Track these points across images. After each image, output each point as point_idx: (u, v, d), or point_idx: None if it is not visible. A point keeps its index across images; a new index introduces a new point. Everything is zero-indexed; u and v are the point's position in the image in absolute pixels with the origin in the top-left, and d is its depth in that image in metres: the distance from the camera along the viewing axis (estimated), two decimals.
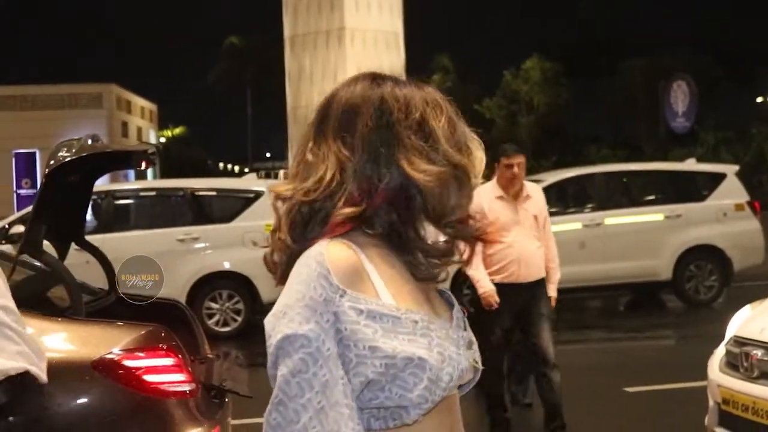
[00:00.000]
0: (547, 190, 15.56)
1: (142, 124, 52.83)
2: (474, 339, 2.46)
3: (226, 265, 14.67)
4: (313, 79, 32.83)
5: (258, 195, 15.36)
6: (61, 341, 5.73)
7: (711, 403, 7.23)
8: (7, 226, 13.90)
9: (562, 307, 15.89)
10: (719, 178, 16.48)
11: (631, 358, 11.41)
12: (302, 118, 33.11)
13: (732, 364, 7.08)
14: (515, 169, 7.47)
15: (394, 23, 33.41)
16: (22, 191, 33.04)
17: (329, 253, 2.24)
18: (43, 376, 4.30)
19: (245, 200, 15.36)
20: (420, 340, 2.26)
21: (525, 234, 7.52)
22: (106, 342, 5.66)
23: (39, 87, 36.51)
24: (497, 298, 7.38)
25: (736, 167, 17.59)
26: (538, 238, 7.64)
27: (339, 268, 2.22)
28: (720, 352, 7.39)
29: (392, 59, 33.24)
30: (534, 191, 7.86)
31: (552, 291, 7.78)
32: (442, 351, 2.26)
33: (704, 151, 28.33)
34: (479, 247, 2.51)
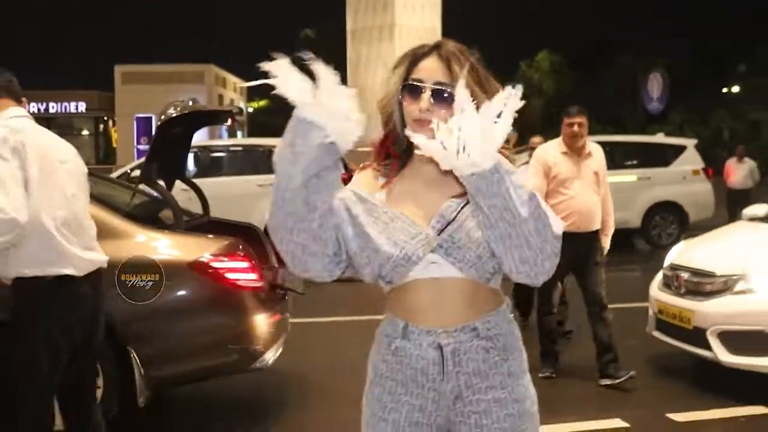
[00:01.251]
0: None
1: (234, 96, 52.88)
2: (455, 246, 2.37)
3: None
4: (368, 66, 32.87)
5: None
6: (166, 248, 5.90)
7: (650, 313, 7.53)
8: (129, 171, 14.43)
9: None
10: (681, 149, 16.64)
11: (611, 281, 11.64)
12: (361, 96, 33.21)
13: (666, 284, 7.38)
14: (575, 128, 6.90)
15: (434, 21, 33.25)
16: (141, 146, 33.63)
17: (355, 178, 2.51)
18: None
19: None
20: (380, 224, 2.37)
21: (586, 187, 6.90)
22: (199, 249, 5.86)
23: (156, 66, 36.91)
24: None
25: (695, 141, 17.67)
26: (597, 192, 7.00)
27: (353, 183, 2.45)
28: (659, 276, 7.67)
29: None
30: (595, 150, 7.11)
31: (605, 243, 7.24)
32: (390, 237, 2.35)
33: (672, 128, 28.53)
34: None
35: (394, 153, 2.51)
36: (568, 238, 6.36)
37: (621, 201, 15.40)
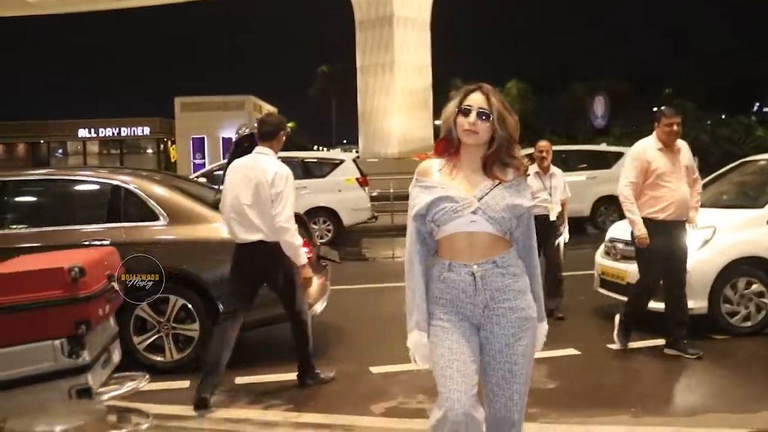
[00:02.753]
0: None
1: None
2: (490, 207, 2.89)
3: (322, 203, 14.83)
4: (374, 93, 33.22)
5: (342, 161, 15.65)
6: None
7: (596, 275, 7.88)
8: (196, 177, 14.77)
9: None
10: (620, 155, 16.07)
11: (566, 256, 11.98)
12: (367, 117, 33.64)
13: (607, 252, 7.77)
14: (675, 127, 6.23)
15: (425, 58, 33.54)
16: (196, 161, 33.84)
17: (420, 166, 3.06)
18: None
19: (333, 164, 15.48)
20: (435, 194, 2.93)
21: (681, 180, 6.23)
22: None
23: (207, 97, 37.01)
24: (648, 240, 6.13)
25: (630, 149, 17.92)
26: (689, 183, 6.32)
27: (418, 171, 3.03)
28: (601, 247, 8.06)
29: (423, 81, 33.56)
30: (684, 146, 6.40)
31: (695, 219, 6.45)
32: (442, 200, 2.90)
33: (613, 139, 28.64)
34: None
35: (449, 151, 3.00)
36: (668, 225, 6.07)
37: (574, 196, 15.57)
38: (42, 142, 59.26)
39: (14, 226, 6.34)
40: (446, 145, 3.00)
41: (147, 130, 57.56)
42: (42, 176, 7.04)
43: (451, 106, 2.96)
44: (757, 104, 56.73)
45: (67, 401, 3.64)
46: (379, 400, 5.22)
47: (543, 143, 8.12)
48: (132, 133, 58.50)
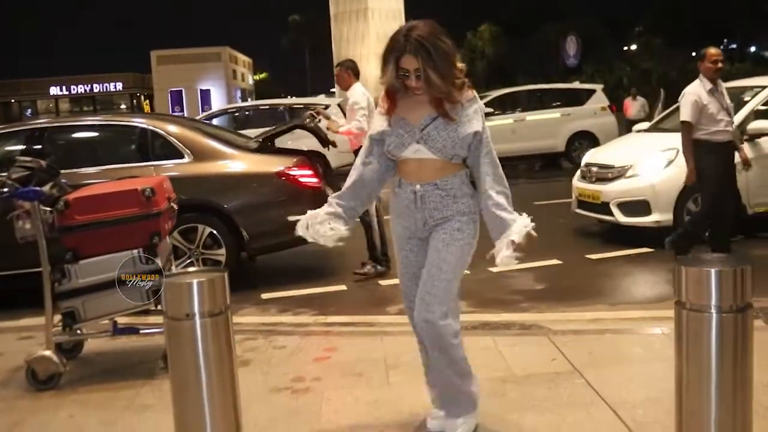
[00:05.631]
0: (493, 101, 16.76)
1: (244, 71, 53.03)
2: (434, 135, 3.06)
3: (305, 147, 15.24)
4: (348, 42, 33.48)
5: (326, 107, 16.25)
6: (260, 163, 6.86)
7: (573, 196, 8.61)
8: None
9: (504, 167, 17.35)
10: (592, 92, 17.15)
11: (542, 189, 12.59)
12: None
13: (583, 176, 8.49)
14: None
15: (398, 3, 33.76)
16: (175, 113, 34.11)
17: (382, 93, 3.17)
18: None
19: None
20: (386, 124, 3.13)
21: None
22: (282, 162, 6.82)
23: (183, 49, 36.99)
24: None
25: (602, 86, 18.23)
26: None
27: (381, 97, 3.19)
28: (578, 172, 8.74)
29: (397, 26, 33.81)
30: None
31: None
32: (395, 131, 3.09)
33: (585, 78, 29.27)
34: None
35: (393, 98, 3.14)
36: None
37: (550, 132, 16.25)
38: (13, 101, 58.85)
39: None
40: (393, 92, 3.14)
41: (120, 86, 57.41)
42: (77, 122, 7.81)
43: (390, 72, 3.03)
44: (725, 41, 57.64)
45: (145, 300, 4.41)
46: (391, 304, 6.05)
47: (714, 50, 6.75)
48: (104, 89, 58.25)
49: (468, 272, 3.20)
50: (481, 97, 11.34)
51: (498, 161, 3.18)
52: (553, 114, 16.69)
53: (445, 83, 3.00)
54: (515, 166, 17.22)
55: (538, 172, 16.93)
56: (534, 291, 6.40)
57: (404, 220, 3.21)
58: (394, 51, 3.02)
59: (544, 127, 16.47)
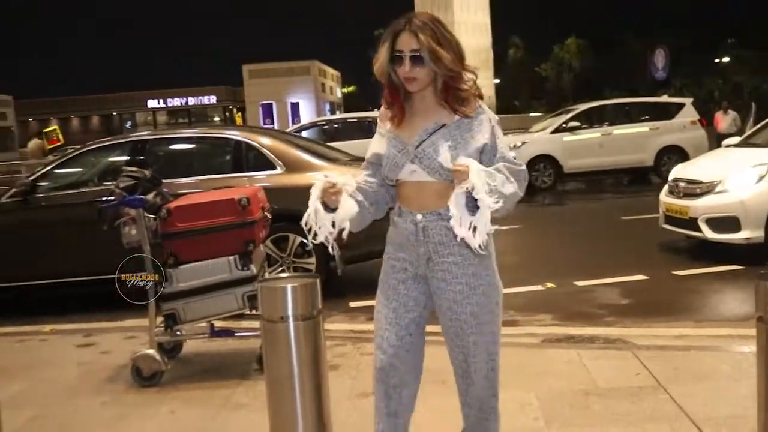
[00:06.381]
0: (580, 114, 16.60)
1: (332, 84, 53.79)
2: (432, 151, 2.56)
3: None
4: None
5: None
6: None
7: (660, 212, 8.46)
8: None
9: (591, 182, 17.09)
10: (681, 106, 16.76)
11: (630, 204, 12.42)
12: None
13: (671, 191, 8.35)
14: None
15: (485, 17, 33.92)
16: (266, 126, 34.89)
17: (381, 110, 2.76)
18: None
19: None
20: (383, 145, 2.67)
21: None
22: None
23: (274, 63, 37.75)
24: None
25: (692, 99, 17.83)
26: None
27: (378, 116, 2.78)
28: (666, 187, 8.59)
29: (484, 41, 33.91)
30: None
31: None
32: (389, 151, 2.64)
33: (674, 91, 28.63)
34: None
35: (396, 100, 2.66)
36: None
37: (638, 146, 15.98)
38: (114, 114, 61.32)
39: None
40: (393, 92, 2.67)
41: (213, 99, 59.21)
42: (176, 135, 8.16)
43: (383, 53, 2.60)
44: None
45: (240, 305, 4.59)
46: None
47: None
48: (199, 102, 60.16)
49: (554, 286, 3.16)
50: (568, 111, 11.50)
51: (519, 167, 2.63)
52: (641, 128, 16.40)
53: (455, 61, 2.55)
54: (602, 181, 17.16)
55: (626, 187, 16.66)
56: (619, 306, 6.35)
57: (406, 254, 2.72)
58: (391, 32, 2.59)
59: (632, 141, 16.19)
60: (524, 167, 2.64)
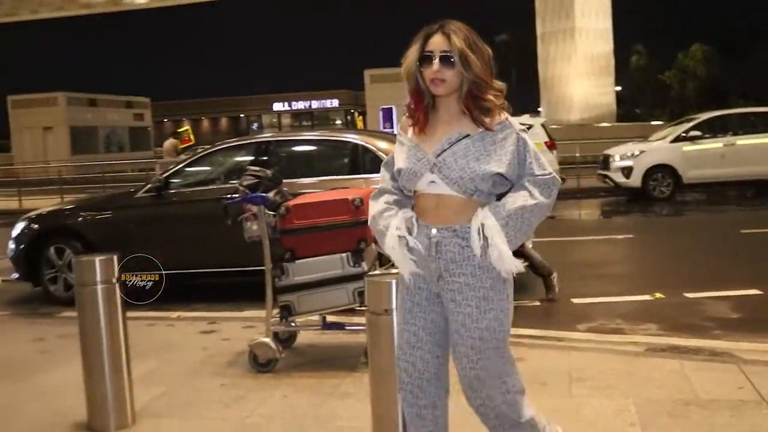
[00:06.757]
0: (702, 124, 16.06)
1: None
2: (448, 162, 2.49)
3: None
4: (555, 62, 33.42)
5: (530, 126, 15.41)
6: None
7: None
8: None
9: (712, 193, 16.53)
10: None
11: (752, 217, 12.00)
12: (549, 85, 33.91)
13: None
14: None
15: (606, 23, 33.27)
16: (385, 130, 35.34)
17: (402, 119, 2.70)
18: None
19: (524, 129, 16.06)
20: (403, 153, 2.60)
21: None
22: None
23: (393, 69, 38.25)
24: None
25: None
26: None
27: (399, 125, 2.72)
28: None
29: (605, 47, 33.31)
30: None
31: None
32: (408, 160, 2.57)
33: None
34: None
35: (420, 106, 2.58)
36: None
37: (764, 158, 15.28)
38: (242, 116, 63.61)
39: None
40: (418, 98, 2.60)
41: (336, 102, 60.53)
42: (298, 137, 8.57)
43: (412, 53, 2.55)
44: None
45: (351, 300, 4.81)
46: (583, 321, 6.12)
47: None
48: (321, 106, 61.62)
49: (663, 296, 3.09)
50: (689, 120, 11.16)
51: (546, 176, 2.56)
52: (766, 138, 15.76)
53: (484, 70, 2.50)
54: (724, 193, 16.57)
55: (749, 200, 16.02)
56: (728, 319, 6.22)
57: (421, 269, 2.62)
58: (423, 34, 2.55)
59: (758, 152, 15.58)
60: (552, 175, 2.57)
